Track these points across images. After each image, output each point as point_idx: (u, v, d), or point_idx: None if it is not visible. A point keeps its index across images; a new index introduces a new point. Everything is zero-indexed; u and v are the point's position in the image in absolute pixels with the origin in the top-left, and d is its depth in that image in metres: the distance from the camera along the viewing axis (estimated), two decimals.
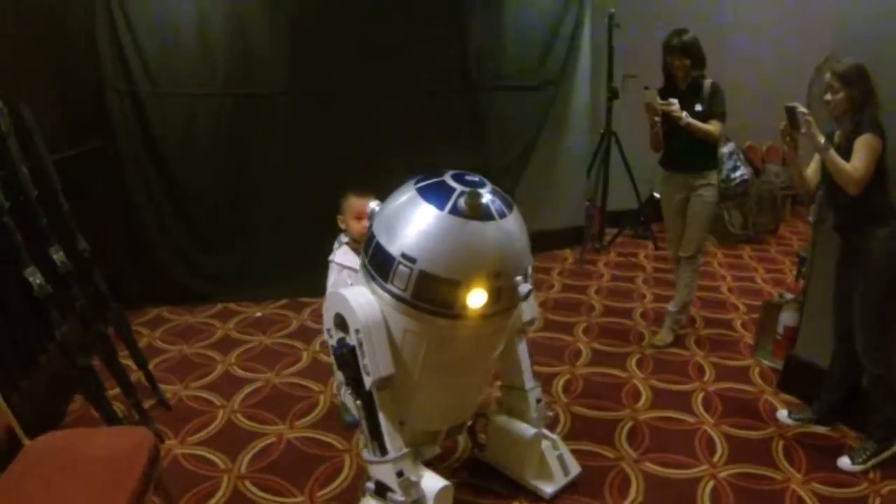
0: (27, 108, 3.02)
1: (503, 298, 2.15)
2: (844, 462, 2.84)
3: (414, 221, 2.09)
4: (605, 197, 5.67)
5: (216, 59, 4.42)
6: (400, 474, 2.24)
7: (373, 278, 2.22)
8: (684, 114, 3.53)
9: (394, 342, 2.22)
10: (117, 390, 3.16)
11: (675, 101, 3.55)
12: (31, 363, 3.01)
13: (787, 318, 3.72)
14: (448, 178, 2.17)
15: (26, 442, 2.14)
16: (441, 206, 2.06)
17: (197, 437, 3.18)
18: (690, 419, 3.24)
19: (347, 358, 2.25)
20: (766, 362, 3.80)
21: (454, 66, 4.93)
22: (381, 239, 2.16)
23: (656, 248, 5.90)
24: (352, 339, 2.23)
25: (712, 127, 3.52)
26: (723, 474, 2.82)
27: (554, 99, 5.22)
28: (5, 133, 2.73)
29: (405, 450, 2.29)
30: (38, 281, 2.65)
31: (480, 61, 4.97)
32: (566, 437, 3.10)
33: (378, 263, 2.18)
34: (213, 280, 4.70)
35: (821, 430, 3.13)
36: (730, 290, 4.98)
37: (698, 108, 3.55)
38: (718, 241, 6.06)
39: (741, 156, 3.89)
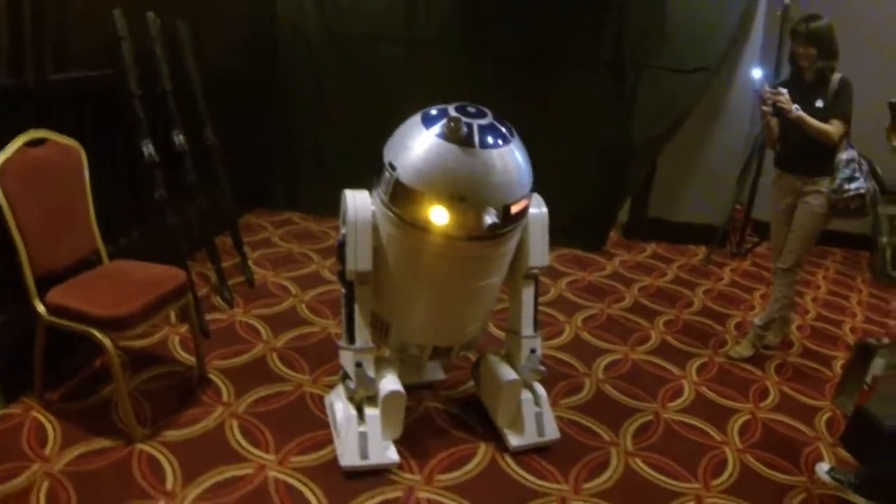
0: (182, 23, 3.62)
1: (468, 224, 2.24)
2: None
3: (406, 137, 2.32)
4: (752, 201, 5.27)
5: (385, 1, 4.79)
6: (358, 365, 2.49)
7: (375, 181, 2.45)
8: (795, 107, 3.19)
9: (380, 245, 2.46)
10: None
11: (784, 90, 3.22)
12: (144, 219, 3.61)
13: (879, 366, 3.32)
14: (450, 107, 2.33)
15: (106, 262, 2.85)
16: (429, 128, 2.26)
17: (260, 311, 3.66)
18: (717, 436, 3.02)
19: (340, 250, 2.50)
20: (843, 410, 3.39)
21: (608, 41, 4.86)
22: (384, 149, 2.41)
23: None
24: (343, 233, 2.49)
25: (830, 127, 3.15)
26: (710, 500, 2.60)
27: (706, 85, 4.91)
28: (153, 37, 3.33)
29: (370, 345, 2.54)
30: (148, 150, 3.21)
31: (635, 39, 4.84)
32: (578, 408, 3.13)
33: (377, 169, 2.41)
34: None
35: (860, 501, 2.65)
36: (853, 329, 4.45)
37: (819, 104, 3.21)
38: (873, 277, 5.43)
39: (864, 166, 3.33)
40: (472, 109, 2.30)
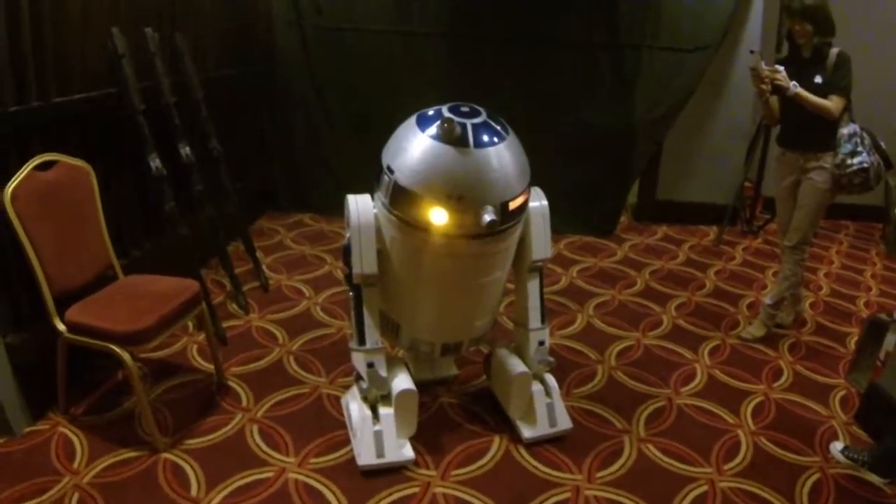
0: (180, 35, 3.68)
1: (467, 222, 2.29)
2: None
3: (402, 140, 2.35)
4: (761, 178, 5.26)
5: None
6: (370, 365, 2.55)
7: (375, 184, 2.50)
8: (792, 83, 3.20)
9: (384, 247, 2.52)
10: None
11: (781, 67, 3.22)
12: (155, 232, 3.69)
13: (892, 341, 3.28)
14: (444, 108, 2.36)
15: (121, 277, 2.93)
16: (424, 130, 2.29)
17: (275, 316, 3.73)
18: (730, 419, 3.02)
19: (346, 254, 2.58)
20: (857, 388, 3.38)
21: (602, 21, 4.86)
22: (382, 153, 2.45)
23: (811, 245, 5.36)
24: (348, 238, 2.55)
25: (830, 102, 3.13)
26: (723, 484, 2.60)
27: (707, 64, 4.88)
28: (153, 53, 3.38)
29: (380, 345, 2.60)
30: (155, 164, 3.28)
31: (632, 20, 4.84)
32: (590, 397, 3.16)
33: (377, 173, 2.46)
34: None
35: (874, 479, 2.66)
36: (867, 304, 4.42)
37: (818, 79, 3.19)
38: (887, 249, 5.40)
39: (866, 140, 3.30)
40: (465, 109, 2.33)
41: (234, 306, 3.79)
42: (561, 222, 4.87)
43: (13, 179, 2.52)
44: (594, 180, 5.13)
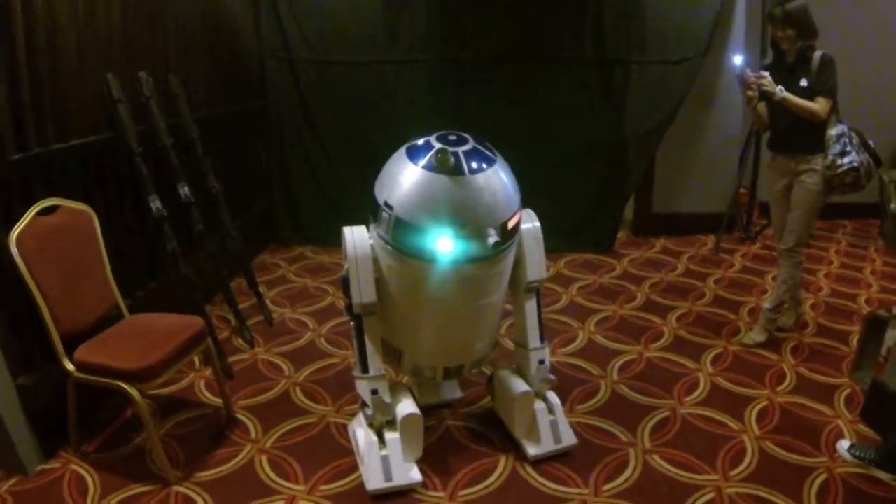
0: (174, 77, 3.79)
1: (471, 248, 2.34)
2: None
3: (396, 175, 2.38)
4: (755, 183, 5.31)
5: (365, 28, 4.97)
6: (374, 392, 2.60)
7: (372, 220, 2.55)
8: (778, 88, 3.26)
9: (382, 276, 2.56)
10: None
11: (766, 73, 3.28)
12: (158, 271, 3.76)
13: (893, 336, 3.27)
14: (433, 139, 2.42)
15: (126, 315, 2.99)
16: (416, 162, 2.33)
17: (280, 348, 3.79)
18: (734, 425, 3.03)
19: (345, 285, 2.62)
20: (861, 386, 3.39)
21: (588, 37, 4.93)
22: (375, 189, 2.50)
23: (806, 247, 5.39)
24: (347, 268, 2.60)
25: (816, 105, 3.19)
26: (730, 490, 2.60)
27: (695, 74, 4.96)
28: (147, 97, 3.47)
29: (382, 372, 2.65)
30: (156, 205, 3.35)
31: (617, 35, 4.92)
32: (595, 412, 3.19)
33: (373, 209, 2.51)
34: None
35: (883, 476, 2.65)
36: (868, 301, 4.44)
37: (803, 83, 3.24)
38: (886, 244, 5.42)
39: (855, 140, 3.35)
40: (453, 137, 2.39)
41: (240, 341, 3.84)
42: (559, 241, 4.95)
43: (17, 225, 2.59)
44: (590, 197, 5.20)
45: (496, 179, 2.41)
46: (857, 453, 2.79)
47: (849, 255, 5.24)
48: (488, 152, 2.45)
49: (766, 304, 3.81)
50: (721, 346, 3.84)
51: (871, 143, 3.45)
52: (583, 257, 5.27)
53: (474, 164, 2.36)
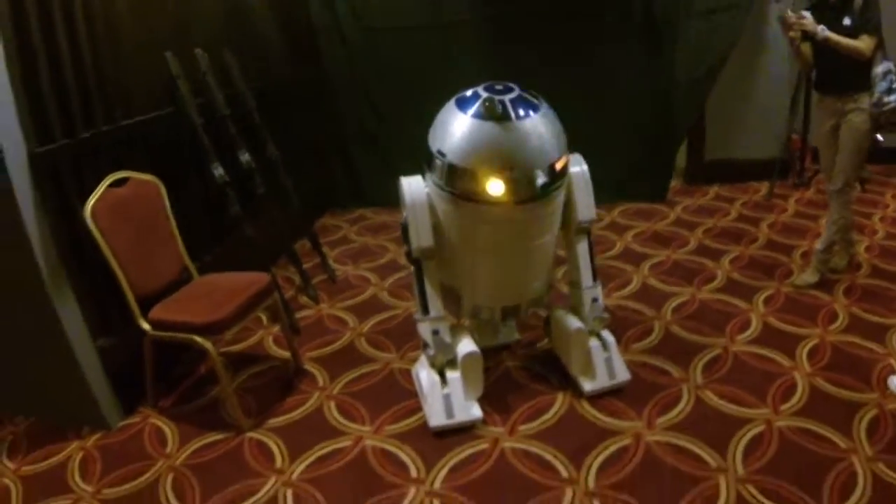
0: (228, 51, 3.98)
1: (521, 189, 2.49)
2: None
3: (447, 124, 2.54)
4: (807, 129, 5.22)
5: None
6: (435, 332, 2.75)
7: (427, 169, 2.69)
8: (820, 28, 3.22)
9: (439, 222, 2.72)
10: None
11: (807, 13, 3.26)
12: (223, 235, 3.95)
13: None
14: (480, 89, 2.54)
15: (196, 277, 3.18)
16: (466, 111, 2.47)
17: (345, 303, 3.98)
18: (786, 362, 3.05)
19: (404, 232, 2.78)
20: None
21: None
22: (429, 139, 2.64)
23: (863, 191, 5.25)
24: (405, 216, 2.73)
25: (860, 43, 3.13)
26: (780, 423, 2.65)
27: (744, 20, 4.84)
28: (204, 72, 3.68)
29: (443, 313, 2.80)
30: (218, 171, 3.55)
31: None
32: (650, 351, 3.27)
33: (427, 157, 2.66)
34: None
35: None
36: None
37: (846, 21, 3.19)
38: None
39: None
40: (499, 87, 2.52)
41: (305, 298, 4.04)
42: (613, 191, 5.02)
43: (91, 197, 2.79)
44: (641, 147, 5.20)
45: (542, 124, 2.52)
46: None
47: None
48: (533, 99, 2.56)
49: (818, 246, 3.82)
50: (773, 287, 3.85)
51: None
52: (636, 206, 5.30)
53: (521, 111, 2.48)
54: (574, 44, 4.92)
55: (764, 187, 5.47)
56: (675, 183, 5.71)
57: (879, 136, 5.41)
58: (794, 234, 4.59)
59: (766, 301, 3.70)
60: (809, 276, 3.83)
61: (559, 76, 4.83)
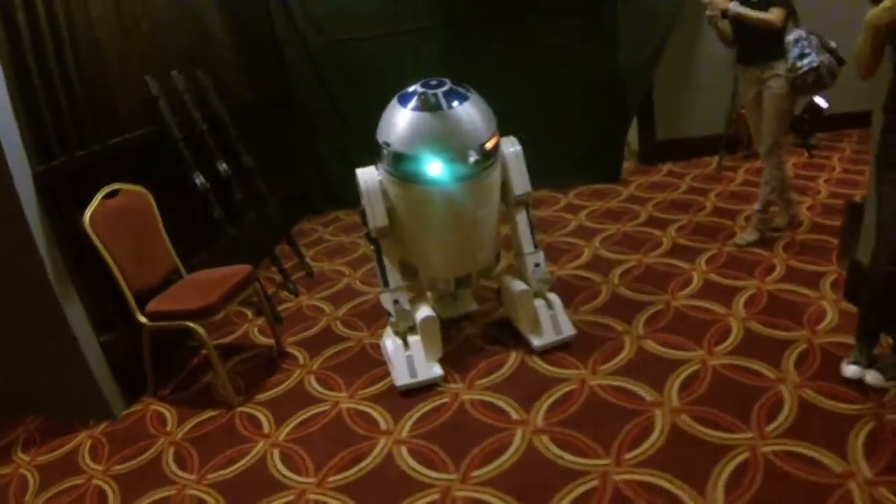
0: (200, 71, 4.34)
1: (457, 168, 2.85)
2: (852, 370, 2.61)
3: (391, 118, 2.91)
4: None
5: (366, 4, 5.42)
6: (395, 301, 3.11)
7: (378, 159, 3.07)
8: (732, 3, 3.58)
9: (392, 205, 3.06)
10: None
11: None
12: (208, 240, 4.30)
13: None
14: (417, 86, 2.94)
15: (184, 274, 3.51)
16: (406, 106, 2.86)
17: (321, 294, 4.30)
18: (721, 311, 3.32)
19: (362, 216, 3.12)
20: (846, 270, 3.56)
21: None
22: (377, 134, 3.01)
23: (810, 157, 5.58)
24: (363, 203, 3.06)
25: (770, 14, 3.46)
26: (714, 362, 2.91)
27: (680, 4, 5.12)
28: (181, 91, 4.03)
29: (402, 284, 3.16)
30: (199, 180, 3.90)
31: None
32: (595, 311, 3.59)
33: (377, 150, 3.03)
34: None
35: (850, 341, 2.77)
36: (864, 199, 4.67)
37: None
38: None
39: (814, 42, 3.54)
40: (433, 82, 2.93)
41: (285, 293, 4.39)
42: (569, 175, 5.37)
43: (88, 208, 3.14)
44: (594, 130, 5.52)
45: (471, 111, 2.91)
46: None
47: (851, 161, 5.40)
48: (463, 90, 2.95)
49: (756, 206, 4.13)
50: (716, 248, 4.15)
51: (832, 44, 3.71)
52: (592, 188, 5.61)
53: (453, 102, 2.89)
54: (522, 38, 5.29)
55: (714, 161, 5.78)
56: (629, 164, 6.05)
57: (823, 103, 5.79)
58: (739, 201, 4.89)
59: (708, 260, 4.00)
60: (749, 235, 4.15)
61: (511, 69, 5.24)
